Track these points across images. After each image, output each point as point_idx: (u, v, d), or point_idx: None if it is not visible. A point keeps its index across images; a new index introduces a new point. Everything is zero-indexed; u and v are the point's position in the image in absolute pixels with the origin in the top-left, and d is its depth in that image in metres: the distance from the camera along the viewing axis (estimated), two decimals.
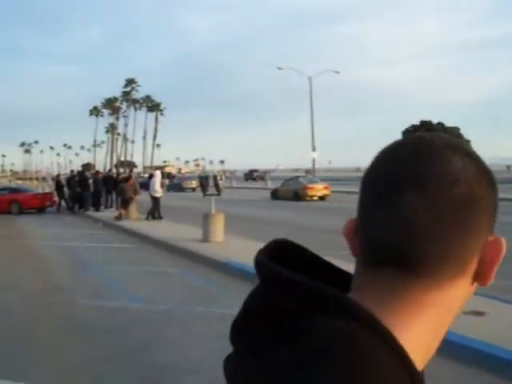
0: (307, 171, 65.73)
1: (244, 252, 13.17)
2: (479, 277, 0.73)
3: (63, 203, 33.12)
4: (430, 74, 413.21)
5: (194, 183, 61.48)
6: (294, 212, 27.54)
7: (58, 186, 34.26)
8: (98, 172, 34.73)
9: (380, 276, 0.72)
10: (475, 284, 0.74)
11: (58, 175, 38.83)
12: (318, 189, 38.05)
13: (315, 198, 37.11)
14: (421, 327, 0.71)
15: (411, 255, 0.69)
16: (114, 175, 37.09)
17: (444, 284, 0.71)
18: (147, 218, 23.82)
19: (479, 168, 0.72)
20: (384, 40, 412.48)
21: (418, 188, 0.69)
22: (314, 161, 59.32)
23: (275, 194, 40.56)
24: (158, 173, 26.30)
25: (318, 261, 0.80)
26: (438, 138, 0.74)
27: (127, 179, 26.96)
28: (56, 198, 33.72)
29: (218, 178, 47.92)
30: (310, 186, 38.05)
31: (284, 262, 0.73)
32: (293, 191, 38.45)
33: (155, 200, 24.15)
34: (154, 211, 24.06)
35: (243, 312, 0.75)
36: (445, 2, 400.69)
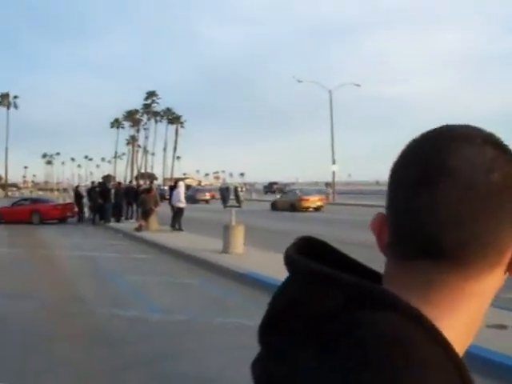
0: (327, 184, 65.60)
1: (264, 264, 13.18)
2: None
3: (86, 214, 33.36)
4: (451, 88, 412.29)
5: (208, 195, 62.38)
6: (313, 224, 27.45)
7: (78, 196, 34.55)
8: (119, 183, 34.93)
9: (414, 268, 0.71)
10: (507, 274, 0.73)
11: (78, 186, 39.15)
12: (313, 200, 40.86)
13: (310, 209, 39.74)
14: (459, 318, 0.70)
15: (446, 245, 0.68)
16: (135, 187, 37.30)
17: (481, 274, 0.70)
18: (173, 227, 23.87)
19: (510, 157, 0.70)
20: (404, 54, 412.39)
21: (451, 177, 0.67)
22: (333, 174, 59.29)
23: (274, 206, 43.01)
24: (182, 184, 26.38)
25: (344, 258, 0.79)
26: (468, 128, 0.73)
27: (148, 191, 27.10)
28: (77, 209, 34.01)
29: (239, 189, 48.15)
30: (305, 197, 40.86)
31: (313, 259, 0.73)
32: (289, 203, 41.24)
33: (179, 210, 24.16)
34: (175, 221, 24.08)
35: (272, 311, 0.73)
36: (464, 16, 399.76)
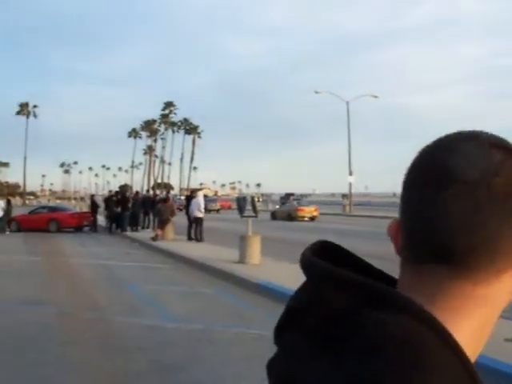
0: (343, 196, 65.39)
1: (281, 274, 13.16)
2: None
3: (102, 223, 33.52)
4: (471, 99, 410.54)
5: (218, 205, 63.22)
6: (326, 235, 27.32)
7: (93, 205, 34.74)
8: (137, 193, 35.08)
9: (425, 272, 0.71)
10: None
11: (93, 195, 39.41)
12: (309, 211, 44.46)
13: (306, 218, 43.05)
14: (468, 323, 0.70)
15: (455, 250, 0.68)
16: (152, 196, 37.44)
17: (489, 279, 0.69)
18: (195, 238, 23.81)
19: None
20: (423, 66, 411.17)
21: (458, 181, 0.68)
22: (350, 185, 59.05)
23: (274, 215, 46.29)
24: (201, 193, 26.36)
25: (360, 262, 0.80)
26: (477, 133, 0.73)
27: (165, 200, 27.19)
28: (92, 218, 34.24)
29: (256, 199, 48.24)
30: (301, 208, 44.61)
31: (328, 262, 0.73)
32: (287, 213, 44.67)
33: (197, 220, 24.03)
34: (196, 231, 23.96)
35: (288, 312, 0.74)
36: (485, 26, 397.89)
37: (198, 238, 23.68)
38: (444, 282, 0.70)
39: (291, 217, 43.25)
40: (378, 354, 0.62)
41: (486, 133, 0.73)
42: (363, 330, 0.65)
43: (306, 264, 0.75)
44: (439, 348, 0.63)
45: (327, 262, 0.73)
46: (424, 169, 0.72)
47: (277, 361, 0.73)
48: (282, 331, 0.74)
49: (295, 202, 48.79)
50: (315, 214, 44.23)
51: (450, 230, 0.68)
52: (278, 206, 48.89)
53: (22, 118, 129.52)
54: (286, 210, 46.24)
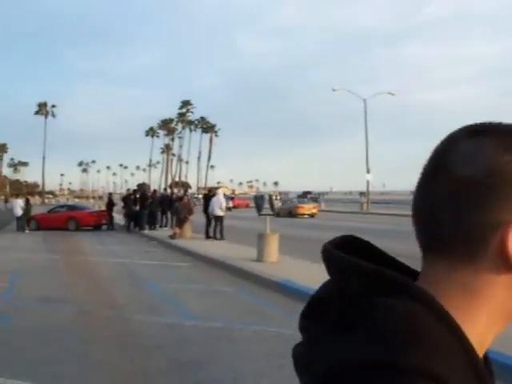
0: (361, 193, 65.21)
1: (298, 272, 13.17)
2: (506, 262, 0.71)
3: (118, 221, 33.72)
4: (492, 96, 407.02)
5: (231, 204, 63.58)
6: (341, 233, 27.28)
7: (110, 204, 34.98)
8: (155, 191, 35.17)
9: (425, 261, 0.76)
10: None
11: (111, 194, 39.67)
12: (308, 208, 47.85)
13: (305, 215, 46.17)
14: (465, 312, 0.72)
15: (434, 237, 0.74)
16: (170, 195, 37.56)
17: (466, 265, 0.72)
18: (214, 237, 23.83)
19: (498, 153, 0.71)
20: (441, 62, 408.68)
21: (439, 172, 0.73)
22: (368, 183, 58.88)
23: (277, 213, 46.75)
24: (221, 191, 26.35)
25: (383, 255, 0.83)
26: (472, 125, 0.76)
27: (181, 199, 27.27)
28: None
29: (274, 198, 48.58)
30: (300, 205, 47.80)
31: (349, 253, 0.77)
32: (288, 210, 47.07)
33: (218, 219, 23.98)
34: (216, 229, 23.95)
35: (310, 301, 0.78)
36: (506, 22, 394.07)
37: (218, 237, 23.68)
38: (429, 268, 0.75)
39: (292, 214, 45.86)
40: (383, 333, 0.66)
41: (499, 124, 0.75)
42: (367, 313, 0.69)
43: (327, 256, 0.79)
44: (438, 326, 0.67)
45: (347, 254, 0.76)
46: (425, 163, 0.77)
47: (298, 346, 0.77)
48: (304, 319, 0.78)
49: (295, 200, 52.23)
50: (314, 211, 47.66)
51: (428, 218, 0.74)
52: (280, 204, 50.18)
53: (41, 118, 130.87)
54: (287, 207, 48.70)
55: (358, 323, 0.69)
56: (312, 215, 46.77)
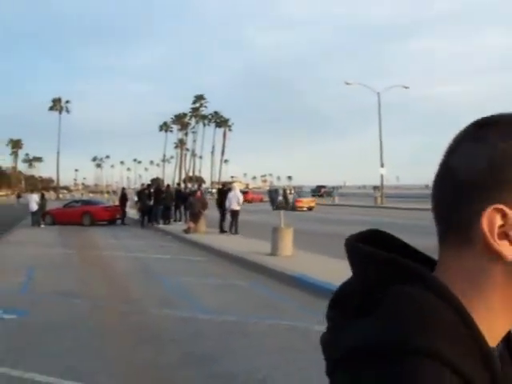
0: (375, 187, 65.00)
1: (313, 266, 13.17)
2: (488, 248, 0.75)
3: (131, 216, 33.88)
4: (504, 88, 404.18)
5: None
6: (355, 226, 27.21)
7: (123, 198, 35.13)
8: (168, 186, 35.23)
9: (439, 251, 0.81)
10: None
11: (124, 188, 39.83)
12: (306, 201, 50.00)
13: (304, 208, 47.85)
14: (474, 299, 0.75)
15: (443, 227, 0.79)
16: (183, 189, 37.63)
17: (463, 252, 0.76)
18: (230, 231, 23.90)
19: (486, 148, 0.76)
20: (454, 54, 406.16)
21: (444, 172, 0.80)
22: (382, 177, 58.70)
23: (277, 206, 50.02)
24: (236, 186, 26.34)
25: (407, 248, 0.86)
26: (474, 124, 0.80)
27: (195, 193, 27.33)
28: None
29: (288, 192, 49.06)
30: (299, 199, 47.85)
31: (371, 246, 0.81)
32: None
33: (235, 213, 24.07)
34: (232, 224, 24.03)
35: (336, 292, 0.83)
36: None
37: (233, 231, 23.76)
38: (443, 255, 0.79)
39: (291, 207, 46.41)
40: (396, 317, 0.70)
41: (492, 116, 0.79)
42: (382, 299, 0.73)
43: (348, 248, 0.83)
44: (447, 312, 0.70)
45: (368, 245, 0.80)
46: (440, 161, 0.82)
47: (325, 334, 0.81)
48: (330, 309, 0.82)
49: (295, 194, 53.94)
50: (312, 204, 50.56)
51: (438, 211, 0.80)
52: (280, 198, 51.23)
53: (55, 114, 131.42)
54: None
55: (374, 309, 0.73)
56: (310, 208, 49.12)
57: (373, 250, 0.78)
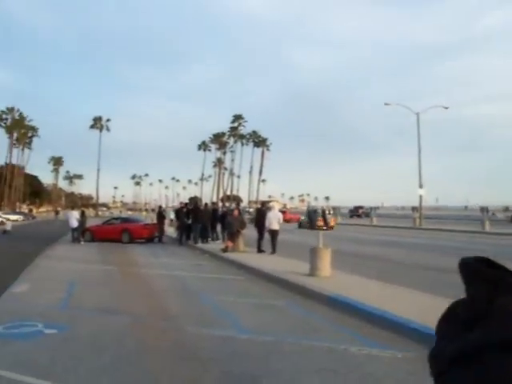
0: (413, 208, 64.31)
1: (351, 287, 13.09)
2: None
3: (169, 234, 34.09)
4: None
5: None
6: (394, 249, 27.03)
7: (160, 216, 35.38)
8: (206, 205, 35.42)
9: None
10: None
11: (161, 207, 40.21)
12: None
13: (324, 227, 48.79)
14: None
15: None
16: (220, 208, 37.78)
17: None
18: (270, 252, 23.78)
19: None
20: (494, 74, 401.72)
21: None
22: (420, 198, 58.07)
23: (300, 225, 54.78)
24: (275, 205, 26.37)
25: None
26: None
27: (232, 212, 27.44)
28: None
29: (327, 212, 49.16)
30: (320, 219, 49.38)
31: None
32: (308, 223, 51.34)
33: (273, 233, 24.11)
34: (273, 243, 24.01)
35: (447, 308, 0.85)
36: None
37: (271, 251, 23.73)
38: None
39: (312, 226, 49.73)
40: (499, 326, 0.73)
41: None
42: (488, 312, 0.76)
43: (461, 268, 0.84)
44: None
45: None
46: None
47: (433, 348, 0.83)
48: (439, 323, 0.84)
49: (316, 213, 55.92)
50: (332, 224, 50.98)
51: None
52: (303, 218, 56.19)
53: (96, 132, 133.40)
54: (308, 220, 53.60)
55: (483, 319, 0.76)
56: (331, 228, 50.11)
57: (479, 267, 0.81)
